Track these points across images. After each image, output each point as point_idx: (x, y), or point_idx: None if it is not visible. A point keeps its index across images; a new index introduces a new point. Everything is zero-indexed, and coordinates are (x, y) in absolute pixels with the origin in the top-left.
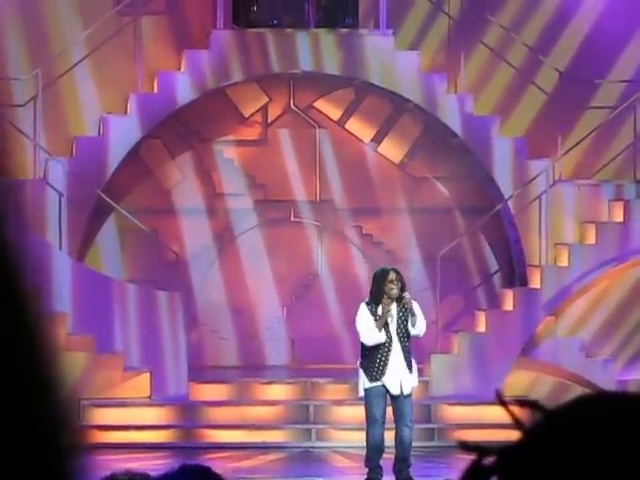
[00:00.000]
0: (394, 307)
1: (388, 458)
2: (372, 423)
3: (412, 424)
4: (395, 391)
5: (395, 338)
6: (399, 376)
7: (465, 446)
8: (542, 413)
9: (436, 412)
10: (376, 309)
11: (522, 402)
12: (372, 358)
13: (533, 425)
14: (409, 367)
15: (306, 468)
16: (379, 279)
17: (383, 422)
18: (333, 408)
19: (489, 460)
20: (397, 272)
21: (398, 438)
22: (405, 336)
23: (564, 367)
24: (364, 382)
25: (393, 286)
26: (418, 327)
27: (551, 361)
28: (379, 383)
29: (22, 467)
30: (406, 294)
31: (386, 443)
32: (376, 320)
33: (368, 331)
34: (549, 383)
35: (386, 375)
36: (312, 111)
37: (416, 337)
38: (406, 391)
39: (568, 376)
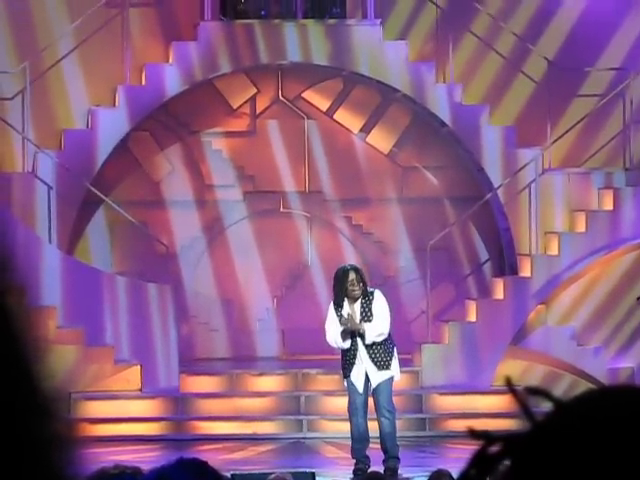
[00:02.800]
0: (357, 306)
1: (376, 449)
2: (353, 413)
3: (391, 415)
4: (361, 388)
5: (360, 343)
6: (365, 373)
7: (473, 433)
8: (552, 402)
9: (427, 402)
10: (341, 310)
11: (533, 390)
12: (342, 355)
13: (544, 415)
14: (376, 363)
15: (298, 459)
16: (340, 279)
17: (364, 411)
18: (324, 399)
19: (495, 448)
20: (357, 271)
21: (379, 429)
22: None
23: (555, 356)
24: (342, 377)
25: (354, 287)
26: (371, 331)
27: (542, 350)
28: (351, 379)
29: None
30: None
31: (372, 434)
32: (340, 321)
33: (332, 336)
34: (540, 372)
35: (352, 372)
36: (300, 102)
37: (379, 339)
38: (373, 385)
39: (559, 365)
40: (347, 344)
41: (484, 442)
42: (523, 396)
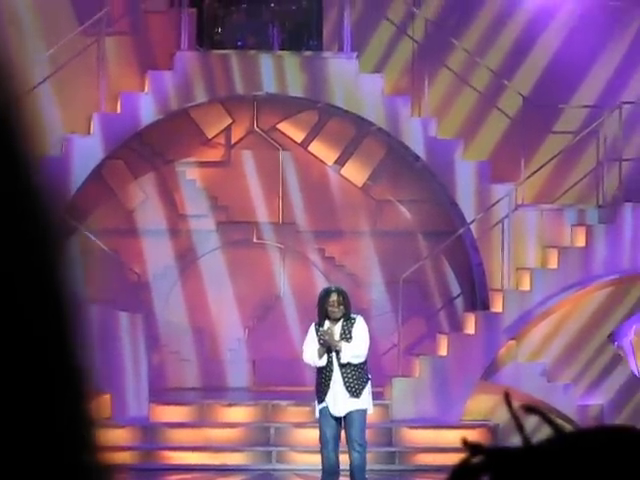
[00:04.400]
0: (338, 327)
1: None
2: (323, 444)
3: (362, 448)
4: (334, 412)
5: (335, 360)
6: (338, 398)
7: (466, 443)
8: (548, 424)
9: (397, 435)
10: (322, 328)
11: (530, 409)
12: (318, 379)
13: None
14: (350, 390)
15: None
16: (322, 300)
17: (335, 443)
18: (294, 430)
19: (479, 459)
20: (340, 293)
21: (349, 462)
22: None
23: (525, 391)
24: (316, 403)
25: (334, 309)
26: (348, 349)
27: (512, 385)
28: (325, 404)
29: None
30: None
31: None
32: (318, 335)
33: (308, 353)
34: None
35: (327, 396)
36: (275, 133)
37: (356, 362)
38: (341, 413)
39: (529, 401)
40: (323, 361)
41: (469, 453)
42: (519, 413)
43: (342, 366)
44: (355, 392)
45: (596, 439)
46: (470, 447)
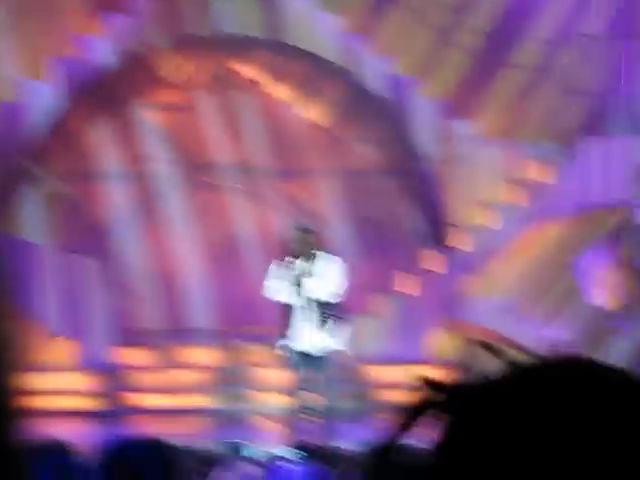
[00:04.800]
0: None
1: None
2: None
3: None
4: (304, 348)
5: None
6: (306, 333)
7: (425, 380)
8: (504, 360)
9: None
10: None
11: (487, 345)
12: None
13: (495, 374)
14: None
15: (231, 431)
16: (293, 237)
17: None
18: (257, 371)
19: (438, 397)
20: (306, 231)
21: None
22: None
23: (488, 326)
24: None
25: (295, 246)
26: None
27: (476, 321)
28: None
29: None
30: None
31: None
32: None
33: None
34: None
35: (293, 336)
36: (233, 74)
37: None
38: (312, 348)
39: (492, 336)
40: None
41: (430, 390)
42: (477, 350)
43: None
44: (325, 327)
45: (550, 370)
46: (428, 384)
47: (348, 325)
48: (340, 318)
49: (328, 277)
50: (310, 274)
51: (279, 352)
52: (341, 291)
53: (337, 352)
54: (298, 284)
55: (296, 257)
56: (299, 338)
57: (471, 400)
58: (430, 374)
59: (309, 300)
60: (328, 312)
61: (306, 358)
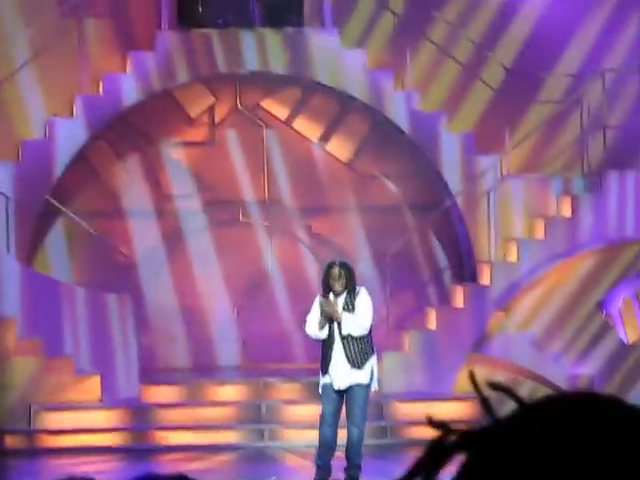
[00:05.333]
0: (340, 301)
1: (340, 457)
2: (322, 420)
3: (361, 424)
4: (337, 385)
5: (337, 334)
6: (340, 372)
7: (432, 422)
8: (514, 400)
9: (388, 409)
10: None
11: (495, 386)
12: (322, 352)
13: (506, 414)
14: (351, 361)
15: (259, 468)
16: (325, 273)
17: (334, 420)
18: (285, 407)
19: (452, 438)
20: (341, 266)
21: (347, 437)
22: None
23: (515, 362)
24: (320, 377)
25: (335, 282)
26: (350, 320)
27: (502, 357)
28: (327, 379)
29: None
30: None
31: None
32: (321, 314)
33: (311, 325)
34: (500, 379)
35: (329, 368)
36: (259, 111)
37: (358, 334)
38: (342, 386)
39: (519, 371)
40: (324, 333)
41: (442, 432)
42: (485, 392)
43: (343, 337)
44: (356, 363)
45: (567, 410)
46: (439, 426)
47: (377, 360)
48: (371, 353)
49: (360, 312)
50: (343, 309)
51: (313, 387)
52: (369, 323)
53: (366, 387)
54: (331, 319)
55: (329, 292)
56: (332, 373)
57: (486, 441)
58: (455, 410)
59: (341, 335)
60: (359, 347)
61: (337, 393)
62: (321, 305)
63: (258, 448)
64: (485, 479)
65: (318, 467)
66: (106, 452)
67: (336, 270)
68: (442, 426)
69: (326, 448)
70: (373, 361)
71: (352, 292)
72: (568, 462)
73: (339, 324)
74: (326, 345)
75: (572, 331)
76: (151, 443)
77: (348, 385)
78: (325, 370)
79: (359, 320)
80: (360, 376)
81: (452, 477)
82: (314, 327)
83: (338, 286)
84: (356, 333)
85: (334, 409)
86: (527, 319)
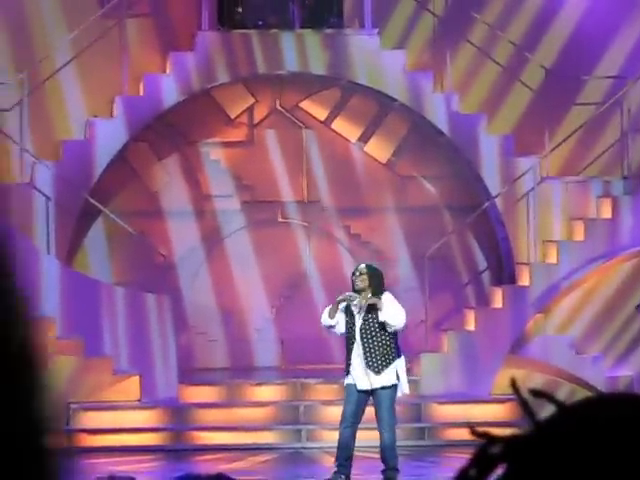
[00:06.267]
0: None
1: (376, 458)
2: (341, 420)
3: (391, 428)
4: (360, 386)
5: (358, 335)
6: (359, 373)
7: (474, 432)
8: (555, 405)
9: (426, 411)
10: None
11: (536, 393)
12: (345, 351)
13: (546, 419)
14: (372, 366)
15: (297, 469)
16: (352, 275)
17: (353, 420)
18: (323, 408)
19: (496, 449)
20: (368, 267)
21: (379, 440)
22: (369, 335)
23: (554, 364)
24: (345, 377)
25: (357, 280)
26: (389, 319)
27: (541, 358)
28: (351, 379)
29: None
30: (373, 299)
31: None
32: (349, 312)
33: (324, 314)
34: (539, 381)
35: (352, 370)
36: (298, 111)
37: (394, 329)
38: (365, 387)
39: (558, 373)
40: (334, 321)
41: (485, 442)
42: (526, 398)
43: (364, 339)
44: (375, 367)
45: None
46: (482, 437)
47: (415, 362)
48: (395, 357)
49: (387, 314)
50: (370, 310)
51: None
52: (399, 327)
53: (391, 389)
54: (354, 321)
55: (357, 292)
56: (353, 374)
57: (530, 451)
58: (494, 412)
59: (362, 337)
60: (381, 351)
61: (360, 394)
62: (346, 298)
63: (296, 449)
64: None
65: (336, 467)
66: (144, 452)
67: (363, 270)
68: (484, 436)
69: (343, 448)
70: (399, 364)
71: (377, 294)
72: (611, 466)
73: (361, 326)
74: (347, 345)
75: (611, 333)
76: (189, 443)
77: (371, 388)
78: (347, 370)
79: (398, 314)
80: (383, 379)
81: None
82: (325, 315)
83: (360, 283)
84: (393, 323)
85: (355, 409)
86: (566, 321)
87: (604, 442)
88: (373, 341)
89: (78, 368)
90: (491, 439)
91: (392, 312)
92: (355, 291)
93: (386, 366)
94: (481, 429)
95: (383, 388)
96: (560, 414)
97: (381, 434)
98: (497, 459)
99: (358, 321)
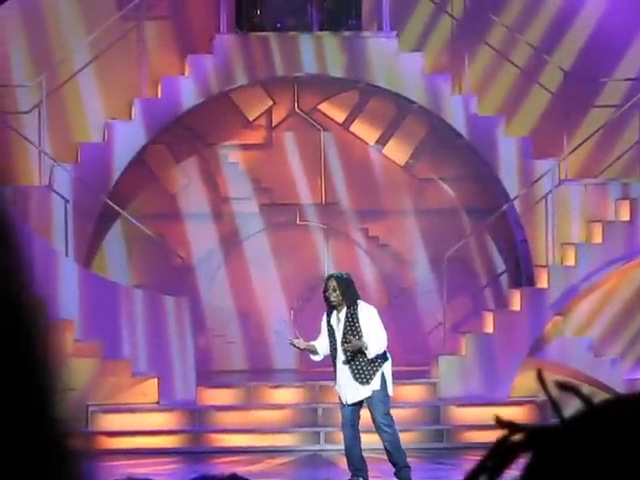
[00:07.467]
0: (342, 315)
1: (375, 459)
2: (341, 424)
3: (389, 428)
4: (344, 400)
5: (340, 349)
6: (346, 386)
7: (499, 421)
8: (582, 400)
9: (444, 413)
10: (330, 318)
11: (563, 386)
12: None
13: (574, 413)
14: (359, 379)
15: (315, 471)
16: (324, 289)
17: (352, 425)
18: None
19: (518, 437)
20: (336, 278)
21: (382, 442)
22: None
23: (572, 367)
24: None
25: (330, 296)
26: (373, 352)
27: (559, 361)
28: (339, 389)
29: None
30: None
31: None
32: (328, 328)
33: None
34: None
35: (337, 383)
36: (317, 114)
37: (383, 350)
38: (350, 401)
39: (576, 376)
40: (319, 357)
41: (508, 431)
42: (553, 391)
43: (346, 355)
44: (363, 379)
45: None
46: (506, 425)
47: (436, 364)
48: (381, 363)
49: (372, 331)
50: (347, 323)
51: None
52: (378, 338)
53: (380, 391)
54: (335, 337)
55: (333, 308)
56: (339, 391)
57: (551, 440)
58: (512, 414)
59: (344, 353)
60: (366, 360)
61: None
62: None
63: (314, 451)
64: (552, 478)
65: (351, 471)
66: (162, 454)
67: (331, 282)
68: (509, 425)
69: (348, 447)
70: (385, 368)
71: (354, 306)
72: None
73: (342, 341)
74: (332, 361)
75: (630, 335)
76: (207, 445)
77: (360, 399)
78: (335, 382)
79: (376, 341)
80: (373, 385)
81: (516, 477)
82: (311, 356)
83: (334, 300)
84: (381, 351)
85: (351, 410)
86: (584, 323)
87: (631, 443)
88: (357, 356)
89: (97, 371)
90: (516, 427)
91: (375, 348)
92: (331, 307)
93: (374, 374)
94: (506, 419)
95: (373, 392)
96: (587, 410)
97: (381, 437)
98: (520, 447)
99: (339, 336)
